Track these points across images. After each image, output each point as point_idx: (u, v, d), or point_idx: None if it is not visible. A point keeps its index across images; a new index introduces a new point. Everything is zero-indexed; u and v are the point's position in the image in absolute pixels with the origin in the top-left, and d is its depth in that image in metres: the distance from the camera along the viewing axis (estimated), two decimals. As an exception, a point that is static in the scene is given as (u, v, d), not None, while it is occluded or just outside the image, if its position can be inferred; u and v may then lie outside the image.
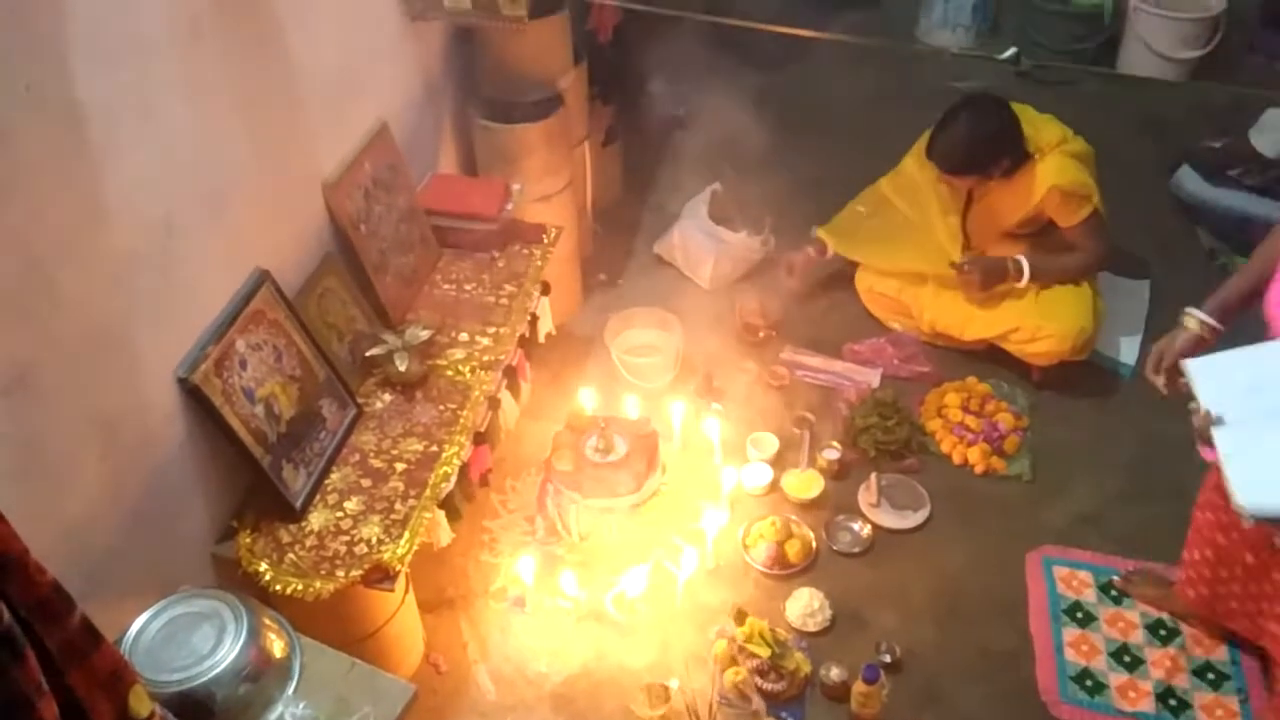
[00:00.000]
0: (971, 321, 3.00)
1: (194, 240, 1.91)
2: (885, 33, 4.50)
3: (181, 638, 1.64)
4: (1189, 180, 3.53)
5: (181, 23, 1.81)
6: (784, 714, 2.28)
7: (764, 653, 2.28)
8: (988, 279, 2.91)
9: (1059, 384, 2.99)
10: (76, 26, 1.57)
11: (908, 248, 3.12)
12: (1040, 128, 2.89)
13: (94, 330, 1.69)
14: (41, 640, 1.09)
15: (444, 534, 2.24)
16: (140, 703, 1.21)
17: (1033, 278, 2.88)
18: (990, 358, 3.05)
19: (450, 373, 2.44)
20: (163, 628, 1.65)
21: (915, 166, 3.12)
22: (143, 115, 1.74)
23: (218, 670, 1.61)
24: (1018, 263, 2.88)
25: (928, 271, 3.05)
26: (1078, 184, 2.81)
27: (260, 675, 1.66)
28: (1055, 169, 2.80)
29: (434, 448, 2.26)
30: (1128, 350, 3.09)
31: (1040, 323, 2.87)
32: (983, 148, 2.80)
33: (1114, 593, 2.49)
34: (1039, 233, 2.97)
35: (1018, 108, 2.88)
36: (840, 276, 3.37)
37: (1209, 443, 1.70)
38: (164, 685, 1.57)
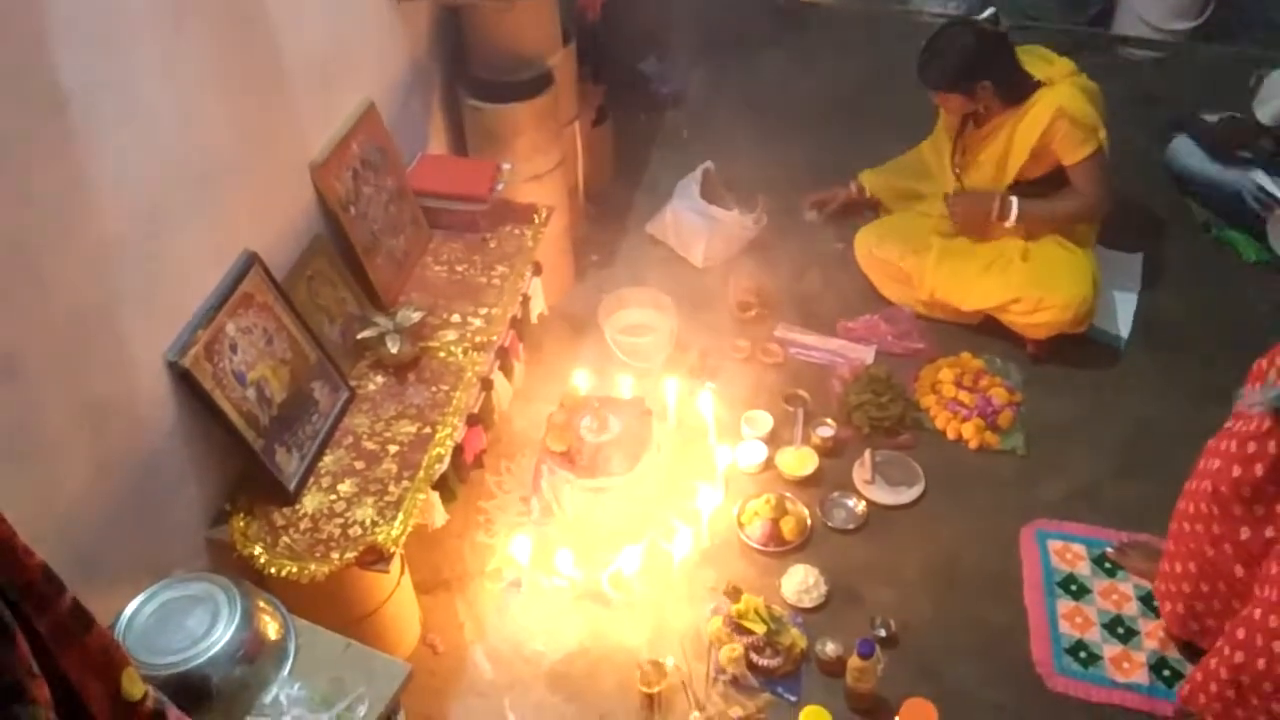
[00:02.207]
0: (972, 292, 2.99)
1: (180, 223, 1.89)
2: (878, 6, 4.48)
3: (176, 621, 1.65)
4: (1184, 153, 3.51)
5: (165, 4, 1.79)
6: (780, 689, 2.30)
7: (760, 629, 2.29)
8: (970, 212, 3.00)
9: (1053, 358, 2.99)
10: (58, 9, 1.55)
11: (925, 203, 3.22)
12: (1053, 61, 2.94)
13: (81, 314, 1.68)
14: (32, 623, 1.09)
15: (438, 515, 2.24)
16: (133, 684, 1.21)
17: (1020, 218, 2.93)
18: (984, 332, 3.05)
19: (442, 354, 2.43)
20: (156, 611, 1.66)
21: (941, 120, 3.17)
22: (127, 98, 1.72)
23: (212, 653, 1.61)
24: (1005, 200, 2.93)
25: (934, 214, 3.14)
26: (1085, 114, 2.82)
27: (255, 657, 1.67)
28: (1066, 94, 2.83)
29: (427, 429, 2.26)
30: (1123, 323, 3.09)
31: (1041, 293, 2.87)
32: (959, 60, 2.82)
33: (1107, 565, 2.50)
34: (1044, 182, 2.96)
35: (1030, 48, 2.95)
36: (835, 254, 3.37)
37: None
38: (159, 668, 1.58)
